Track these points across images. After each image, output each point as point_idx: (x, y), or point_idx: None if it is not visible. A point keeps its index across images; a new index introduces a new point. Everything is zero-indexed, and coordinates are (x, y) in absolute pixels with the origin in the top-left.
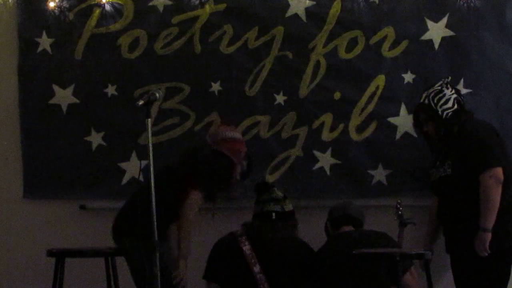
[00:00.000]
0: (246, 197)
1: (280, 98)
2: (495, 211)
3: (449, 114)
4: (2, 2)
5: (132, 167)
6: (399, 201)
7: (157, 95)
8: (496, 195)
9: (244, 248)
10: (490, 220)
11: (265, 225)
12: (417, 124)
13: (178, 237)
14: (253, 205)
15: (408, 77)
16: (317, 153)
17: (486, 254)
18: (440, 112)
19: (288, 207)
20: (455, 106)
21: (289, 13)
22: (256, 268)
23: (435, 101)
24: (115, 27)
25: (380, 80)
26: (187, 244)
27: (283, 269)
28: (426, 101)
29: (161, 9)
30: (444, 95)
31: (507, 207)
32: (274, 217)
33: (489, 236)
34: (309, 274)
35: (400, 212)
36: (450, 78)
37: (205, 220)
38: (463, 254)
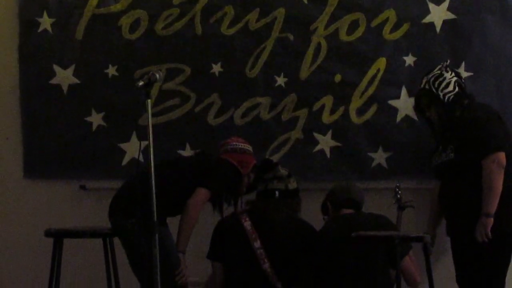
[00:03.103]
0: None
1: (280, 80)
2: (498, 196)
3: (451, 97)
4: None
5: (132, 148)
6: (398, 184)
7: (158, 76)
8: (498, 180)
9: (245, 224)
10: (493, 205)
11: (268, 203)
12: (419, 110)
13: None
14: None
15: (409, 60)
16: (317, 136)
17: (487, 240)
18: (441, 96)
19: (292, 185)
20: (456, 89)
21: None
22: (257, 244)
23: (436, 86)
24: (116, 7)
25: (381, 63)
26: (185, 239)
27: (283, 246)
28: (427, 86)
29: None
30: (444, 78)
31: (509, 192)
32: (277, 195)
33: (491, 221)
34: (309, 254)
35: (398, 196)
36: (449, 61)
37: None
38: (464, 238)
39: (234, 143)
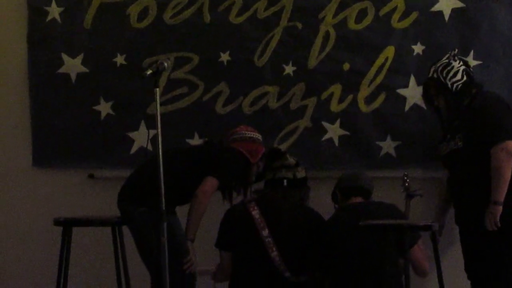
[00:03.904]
0: None
1: (289, 69)
2: (506, 184)
3: (459, 86)
4: None
5: (140, 137)
6: (405, 173)
7: (166, 64)
8: (507, 168)
9: (253, 212)
10: (501, 193)
11: (276, 191)
12: (427, 99)
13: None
14: None
15: (418, 48)
16: (325, 124)
17: (496, 228)
18: (449, 85)
19: (301, 173)
20: (464, 78)
21: None
22: (265, 232)
23: (444, 75)
24: None
25: (390, 52)
26: (194, 227)
27: (291, 235)
28: (435, 75)
29: None
30: (452, 67)
31: None
32: (285, 184)
33: (500, 209)
34: (317, 242)
35: (407, 184)
36: (457, 50)
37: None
38: (472, 227)
39: (243, 131)
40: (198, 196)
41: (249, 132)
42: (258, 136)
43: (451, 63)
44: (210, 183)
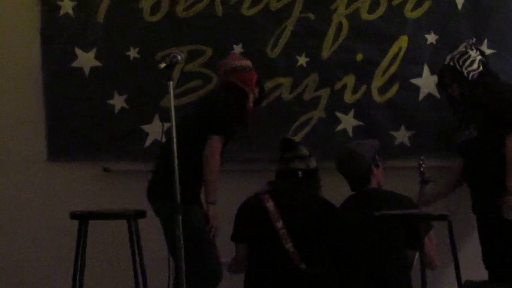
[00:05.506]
0: (271, 160)
1: (302, 60)
2: None
3: (475, 75)
4: None
5: (154, 130)
6: (422, 157)
7: (179, 57)
8: None
9: (267, 205)
10: None
11: (290, 183)
12: (441, 86)
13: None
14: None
15: (431, 38)
16: (339, 115)
17: None
18: (465, 74)
19: (312, 163)
20: (480, 68)
21: None
22: (279, 224)
23: (460, 63)
24: None
25: (403, 41)
26: (212, 189)
27: (305, 226)
28: (451, 63)
29: None
30: (469, 56)
31: None
32: (300, 175)
33: None
34: (331, 233)
35: (422, 169)
36: (474, 39)
37: (231, 183)
38: (489, 216)
39: (233, 61)
40: (208, 159)
41: (238, 61)
42: (247, 63)
43: (468, 52)
44: (215, 142)
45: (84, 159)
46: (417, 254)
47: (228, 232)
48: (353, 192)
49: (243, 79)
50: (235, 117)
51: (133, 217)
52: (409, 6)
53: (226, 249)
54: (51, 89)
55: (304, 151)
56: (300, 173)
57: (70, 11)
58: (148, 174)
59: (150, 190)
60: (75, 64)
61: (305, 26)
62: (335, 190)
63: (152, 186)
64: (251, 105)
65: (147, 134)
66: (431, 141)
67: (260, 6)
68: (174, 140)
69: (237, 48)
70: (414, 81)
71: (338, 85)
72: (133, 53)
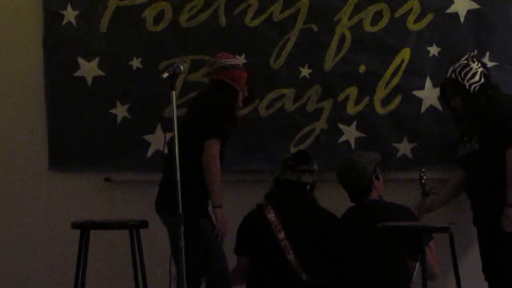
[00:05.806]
0: (271, 171)
1: (305, 71)
2: None
3: (476, 88)
4: None
5: (157, 140)
6: (423, 169)
7: (182, 67)
8: None
9: (269, 216)
10: None
11: (295, 194)
12: (443, 99)
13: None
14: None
15: (434, 50)
16: (342, 126)
17: None
18: (467, 87)
19: (314, 177)
20: (482, 80)
21: None
22: (281, 235)
23: (462, 76)
24: None
25: (405, 53)
26: (217, 193)
27: (307, 237)
28: (453, 75)
29: None
30: (471, 69)
31: None
32: (308, 189)
33: None
34: (333, 244)
35: (423, 181)
36: (476, 51)
37: (232, 194)
38: (490, 228)
39: (223, 60)
40: (208, 164)
41: (229, 60)
42: (238, 61)
43: (470, 64)
44: (213, 145)
45: (86, 168)
46: (417, 265)
47: (229, 242)
48: (353, 204)
49: (233, 77)
50: (227, 116)
51: (135, 227)
52: (411, 19)
53: (228, 260)
54: (54, 99)
55: (316, 166)
56: (308, 187)
57: (73, 21)
58: (151, 185)
59: (157, 203)
60: (77, 73)
61: (308, 38)
62: (337, 201)
63: (158, 198)
64: (241, 104)
65: (149, 144)
66: (433, 154)
67: (264, 17)
68: (177, 150)
69: (240, 59)
70: (417, 93)
71: (340, 97)
72: (136, 62)
